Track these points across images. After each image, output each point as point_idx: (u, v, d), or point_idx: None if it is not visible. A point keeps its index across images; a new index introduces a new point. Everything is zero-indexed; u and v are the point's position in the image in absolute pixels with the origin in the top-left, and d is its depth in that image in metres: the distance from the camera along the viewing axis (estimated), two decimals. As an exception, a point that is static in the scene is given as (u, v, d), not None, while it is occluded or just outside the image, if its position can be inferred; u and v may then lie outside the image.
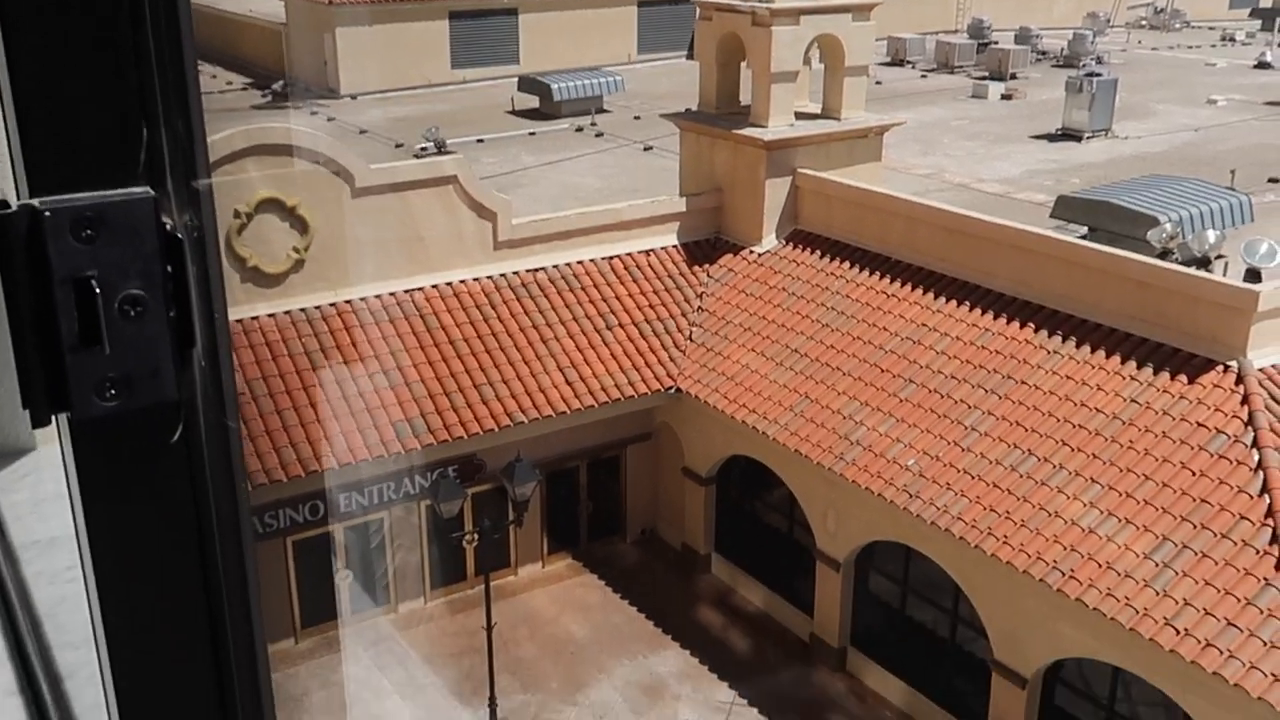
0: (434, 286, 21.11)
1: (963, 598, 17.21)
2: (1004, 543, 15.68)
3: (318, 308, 20.09)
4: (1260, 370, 15.99)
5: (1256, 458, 14.95)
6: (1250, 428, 15.28)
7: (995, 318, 18.81)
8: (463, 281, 21.38)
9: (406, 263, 20.85)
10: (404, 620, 20.48)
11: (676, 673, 19.24)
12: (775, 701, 18.54)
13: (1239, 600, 13.71)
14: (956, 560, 16.87)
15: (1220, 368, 16.18)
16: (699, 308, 22.31)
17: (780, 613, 20.69)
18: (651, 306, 22.20)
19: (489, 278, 21.61)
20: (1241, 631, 13.39)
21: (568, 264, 22.33)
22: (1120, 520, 15.17)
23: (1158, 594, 14.18)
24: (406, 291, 20.87)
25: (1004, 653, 16.47)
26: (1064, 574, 14.92)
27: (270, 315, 19.77)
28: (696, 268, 23.04)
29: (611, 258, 22.70)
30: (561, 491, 22.20)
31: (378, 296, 20.61)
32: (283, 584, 19.46)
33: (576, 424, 20.79)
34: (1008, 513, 15.99)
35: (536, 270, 22.00)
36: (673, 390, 20.96)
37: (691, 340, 21.74)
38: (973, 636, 17.33)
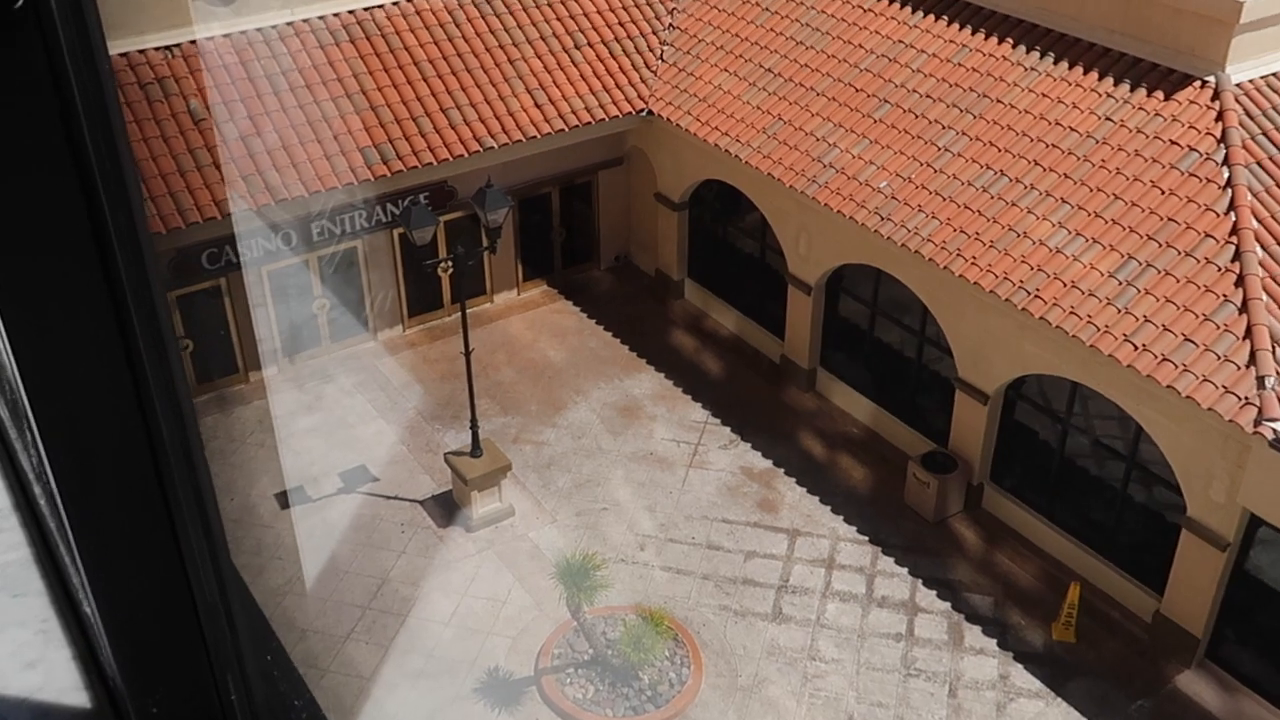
0: (394, 4, 20.30)
1: (930, 319, 17.51)
2: (972, 263, 15.81)
3: (274, 27, 19.36)
4: (1237, 85, 15.69)
5: (1226, 175, 14.90)
6: (1222, 144, 15.15)
7: (973, 33, 18.27)
8: (425, -1, 20.56)
9: (366, -23, 20.00)
10: (383, 348, 20.82)
11: (651, 394, 19.77)
12: (746, 421, 19.16)
13: (1197, 316, 13.99)
14: (925, 282, 17.06)
15: (1198, 83, 15.88)
16: (670, 25, 21.57)
17: (752, 336, 21.07)
18: (621, 24, 21.44)
19: (452, -6, 20.77)
20: (1197, 346, 13.73)
21: (533, -21, 21.41)
22: (1087, 239, 15.27)
23: (1119, 311, 14.44)
24: (366, 9, 20.08)
25: (968, 371, 16.91)
26: (1029, 293, 15.14)
27: (225, 36, 19.07)
28: (668, -18, 22.11)
29: (579, -28, 21.77)
30: (534, 218, 22.11)
31: (336, 15, 19.83)
32: (262, 314, 19.63)
33: (547, 149, 20.48)
34: (977, 234, 16.05)
35: (501, -14, 21.12)
36: (644, 113, 20.55)
37: (663, 60, 21.13)
38: (938, 356, 17.75)
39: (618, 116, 20.48)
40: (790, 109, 18.95)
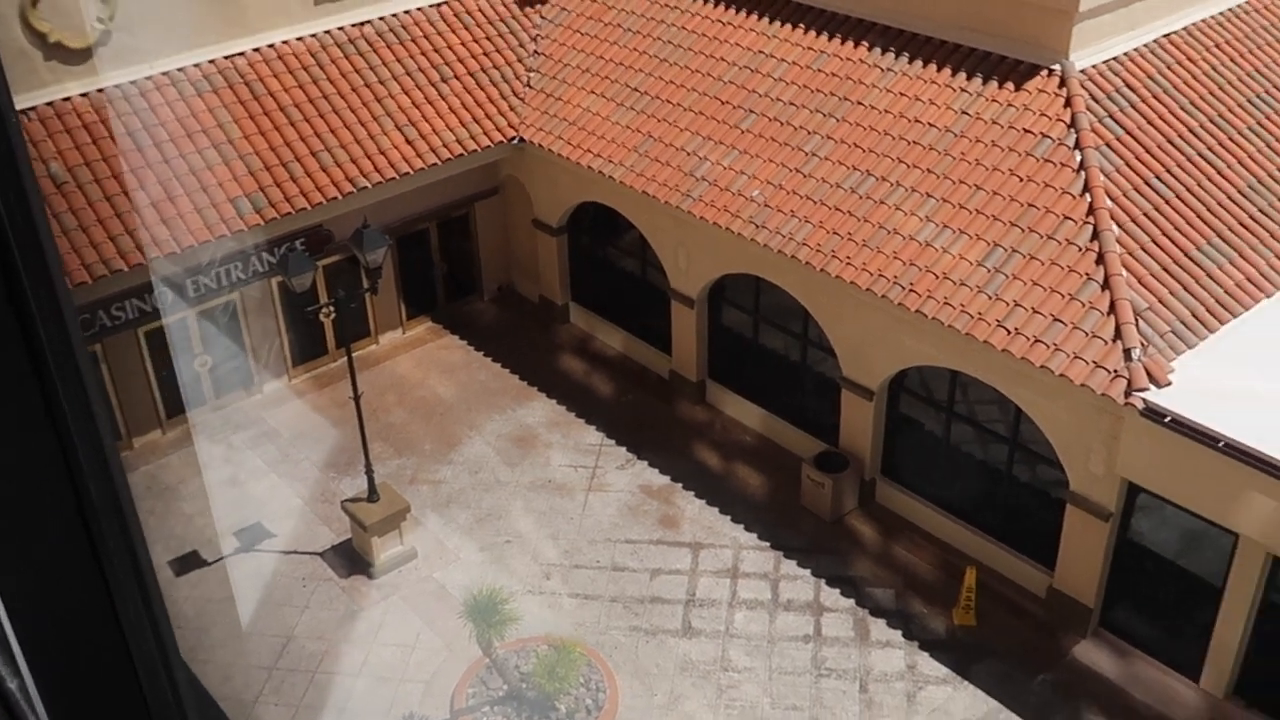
0: (255, 50, 20.05)
1: (811, 321, 17.77)
2: (847, 264, 16.10)
3: (133, 82, 19.00)
4: (1082, 71, 16.26)
5: (1079, 158, 15.40)
6: (1073, 129, 15.66)
7: (830, 39, 18.65)
8: (285, 42, 20.34)
9: (223, 25, 19.69)
10: (270, 400, 20.47)
11: (545, 422, 19.73)
12: (641, 439, 19.23)
13: (1064, 297, 14.42)
14: (804, 285, 17.31)
15: (1045, 72, 16.40)
16: (535, 52, 21.65)
17: (639, 354, 21.18)
18: (486, 54, 21.47)
19: (312, 36, 20.60)
20: (1066, 325, 14.15)
21: (394, 14, 21.35)
22: (954, 231, 15.64)
23: (990, 298, 14.81)
24: (227, 58, 19.79)
25: (852, 369, 17.20)
26: (904, 288, 15.45)
27: (83, 95, 18.64)
28: (528, 9, 22.22)
29: (439, 4, 21.77)
30: (413, 255, 21.96)
31: (196, 65, 19.52)
32: (141, 376, 19.18)
33: (421, 184, 20.38)
34: (849, 234, 16.35)
35: (361, 24, 21.02)
36: (516, 140, 20.57)
37: (530, 87, 21.18)
38: (822, 357, 18.02)
39: (489, 146, 20.47)
40: (659, 126, 19.13)
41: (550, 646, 14.97)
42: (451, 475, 18.62)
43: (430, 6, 21.70)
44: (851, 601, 16.11)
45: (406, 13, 21.48)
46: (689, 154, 18.54)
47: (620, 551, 17.10)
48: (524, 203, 22.06)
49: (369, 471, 16.61)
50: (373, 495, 16.75)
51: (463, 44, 21.47)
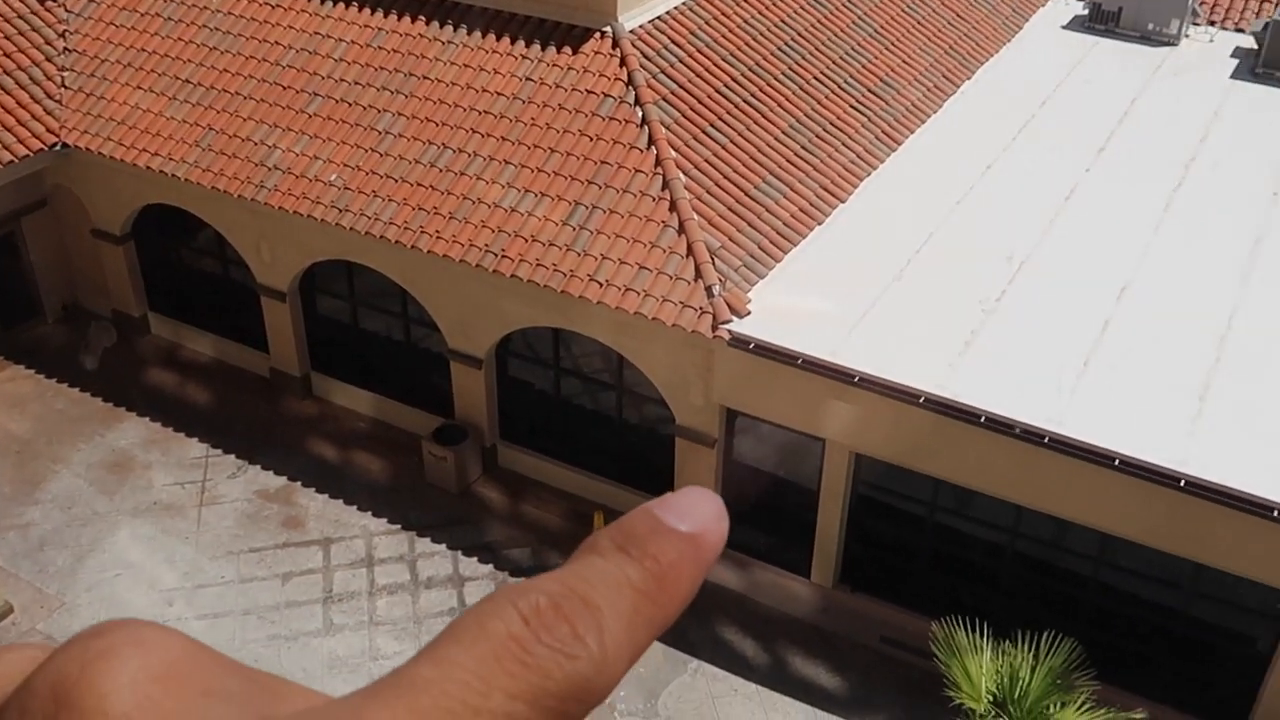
0: None
1: (410, 299, 17.71)
2: (437, 238, 16.15)
3: None
4: (631, 32, 17.17)
5: (640, 114, 16.29)
6: (631, 87, 16.53)
7: (385, 15, 18.51)
8: None
9: None
10: None
11: (141, 442, 18.42)
12: (249, 442, 18.40)
13: (645, 245, 15.26)
14: (397, 265, 17.20)
15: (598, 35, 17.17)
16: (65, 49, 19.91)
17: (234, 356, 20.20)
18: (7, 55, 19.48)
19: None
20: (651, 272, 14.98)
21: (-114, 20, 18.89)
22: (536, 195, 16.09)
23: (579, 255, 15.40)
24: None
25: (458, 340, 17.33)
26: (496, 255, 15.73)
27: None
28: (49, 3, 20.36)
29: (-59, 5, 19.51)
30: (-47, 285, 19.68)
31: None
32: None
33: (-48, 205, 18.28)
34: (435, 208, 16.39)
35: None
36: (58, 147, 18.87)
37: (66, 87, 19.48)
38: (426, 333, 18.02)
39: (28, 156, 18.64)
40: (220, 117, 18.23)
41: (184, 675, 14.12)
42: (41, 515, 16.98)
43: (-70, 6, 19.41)
44: (490, 567, 16.36)
45: (-99, 15, 19.09)
46: (257, 143, 17.82)
47: (246, 562, 16.35)
48: (79, 212, 20.30)
49: (-61, 529, 14.85)
50: (-51, 553, 14.99)
51: (-25, 45, 19.38)
